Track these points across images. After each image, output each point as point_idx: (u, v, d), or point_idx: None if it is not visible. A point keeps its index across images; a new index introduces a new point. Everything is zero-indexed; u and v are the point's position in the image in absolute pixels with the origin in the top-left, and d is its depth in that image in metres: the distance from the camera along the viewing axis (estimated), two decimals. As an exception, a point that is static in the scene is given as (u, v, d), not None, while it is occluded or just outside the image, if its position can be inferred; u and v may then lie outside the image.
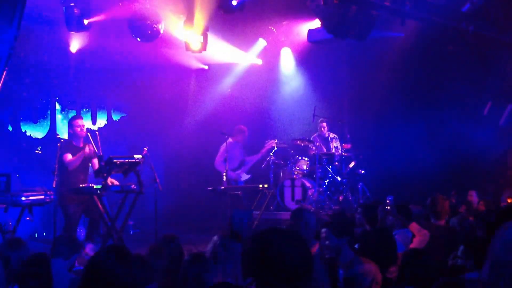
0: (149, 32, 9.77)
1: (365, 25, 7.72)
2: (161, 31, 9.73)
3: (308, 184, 10.29)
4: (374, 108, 11.40)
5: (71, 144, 7.71)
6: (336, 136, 10.98)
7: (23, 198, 6.95)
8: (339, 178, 10.40)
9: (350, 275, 3.87)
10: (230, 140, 10.09)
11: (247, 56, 12.08)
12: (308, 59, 11.94)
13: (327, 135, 10.92)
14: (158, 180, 8.00)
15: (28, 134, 11.01)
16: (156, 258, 4.09)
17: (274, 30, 11.88)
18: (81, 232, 8.51)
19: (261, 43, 12.04)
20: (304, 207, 8.26)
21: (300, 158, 10.64)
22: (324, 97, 11.76)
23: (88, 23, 9.36)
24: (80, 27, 9.37)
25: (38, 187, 7.40)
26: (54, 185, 7.32)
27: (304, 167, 10.54)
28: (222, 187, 9.23)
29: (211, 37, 9.39)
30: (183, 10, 8.82)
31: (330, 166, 10.40)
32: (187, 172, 11.85)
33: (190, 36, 8.64)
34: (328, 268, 4.11)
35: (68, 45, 10.77)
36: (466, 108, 10.14)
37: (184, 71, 11.96)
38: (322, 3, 7.32)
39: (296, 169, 10.49)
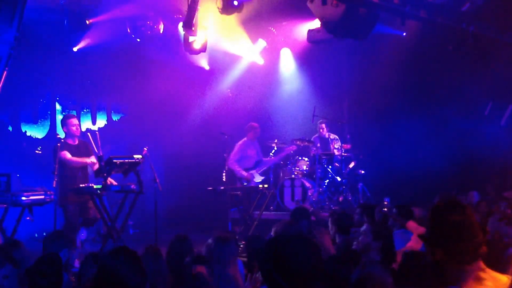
0: (149, 32, 9.80)
1: (365, 25, 7.72)
2: (161, 31, 9.76)
3: (308, 184, 10.29)
4: (374, 108, 11.41)
5: (66, 143, 7.74)
6: (337, 137, 10.96)
7: (24, 198, 6.96)
8: (339, 178, 10.39)
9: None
10: (245, 139, 10.13)
11: (248, 56, 12.08)
12: (308, 59, 11.94)
13: (327, 136, 10.92)
14: (158, 180, 8.01)
15: (28, 134, 11.01)
16: (156, 258, 4.10)
17: (274, 30, 11.88)
18: (82, 232, 8.50)
19: (261, 43, 12.04)
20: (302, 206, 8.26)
21: (300, 158, 10.64)
22: (324, 97, 11.76)
23: (89, 23, 9.37)
24: (81, 27, 9.39)
25: (38, 187, 7.41)
26: (54, 185, 7.33)
27: (304, 167, 10.54)
28: (222, 187, 9.24)
29: (211, 37, 9.40)
30: (183, 10, 8.82)
31: (330, 166, 10.39)
32: (187, 172, 11.85)
33: (189, 37, 8.64)
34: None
35: (68, 46, 10.79)
36: (466, 108, 10.14)
37: (184, 71, 11.96)
38: (322, 3, 7.32)
39: (296, 169, 10.49)
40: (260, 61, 12.17)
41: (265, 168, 10.44)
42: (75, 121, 7.89)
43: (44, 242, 4.85)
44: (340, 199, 10.27)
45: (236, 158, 10.11)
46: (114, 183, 7.62)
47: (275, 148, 10.50)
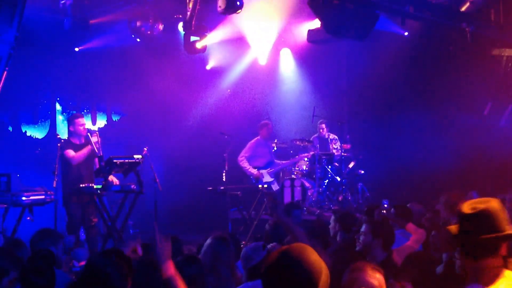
0: (149, 32, 9.80)
1: (365, 25, 7.72)
2: (161, 31, 9.76)
3: (307, 184, 10.30)
4: (374, 108, 11.41)
5: (70, 142, 7.73)
6: (336, 137, 10.96)
7: (24, 198, 6.98)
8: (338, 178, 10.40)
9: None
10: (258, 137, 10.12)
11: (249, 55, 12.07)
12: (308, 59, 11.94)
13: (326, 136, 10.92)
14: (158, 180, 8.03)
15: (28, 134, 11.02)
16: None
17: (274, 30, 11.86)
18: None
19: (261, 43, 12.01)
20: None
21: (300, 158, 10.65)
22: (323, 97, 11.76)
23: (89, 23, 9.38)
24: (81, 28, 9.39)
25: (38, 187, 7.42)
26: (54, 185, 7.33)
27: (304, 167, 10.55)
28: (222, 187, 9.24)
29: (211, 38, 9.40)
30: (183, 10, 8.82)
31: (330, 166, 10.39)
32: (187, 172, 11.84)
33: (189, 37, 8.64)
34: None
35: (69, 46, 10.78)
36: (466, 108, 10.13)
37: (184, 71, 11.96)
38: (322, 3, 7.32)
39: (296, 169, 10.49)
40: (262, 61, 12.13)
41: (276, 169, 10.40)
42: (82, 120, 7.89)
43: (31, 240, 4.83)
44: (340, 198, 10.28)
45: (246, 156, 10.05)
46: (116, 180, 7.62)
47: (275, 148, 10.50)
